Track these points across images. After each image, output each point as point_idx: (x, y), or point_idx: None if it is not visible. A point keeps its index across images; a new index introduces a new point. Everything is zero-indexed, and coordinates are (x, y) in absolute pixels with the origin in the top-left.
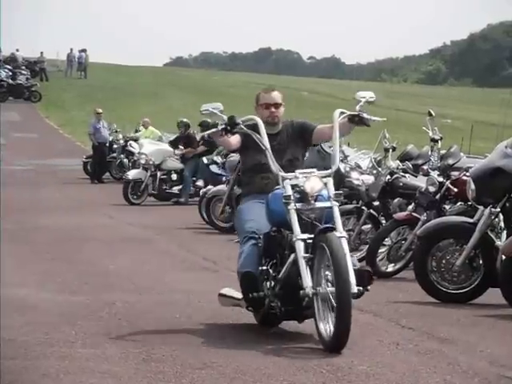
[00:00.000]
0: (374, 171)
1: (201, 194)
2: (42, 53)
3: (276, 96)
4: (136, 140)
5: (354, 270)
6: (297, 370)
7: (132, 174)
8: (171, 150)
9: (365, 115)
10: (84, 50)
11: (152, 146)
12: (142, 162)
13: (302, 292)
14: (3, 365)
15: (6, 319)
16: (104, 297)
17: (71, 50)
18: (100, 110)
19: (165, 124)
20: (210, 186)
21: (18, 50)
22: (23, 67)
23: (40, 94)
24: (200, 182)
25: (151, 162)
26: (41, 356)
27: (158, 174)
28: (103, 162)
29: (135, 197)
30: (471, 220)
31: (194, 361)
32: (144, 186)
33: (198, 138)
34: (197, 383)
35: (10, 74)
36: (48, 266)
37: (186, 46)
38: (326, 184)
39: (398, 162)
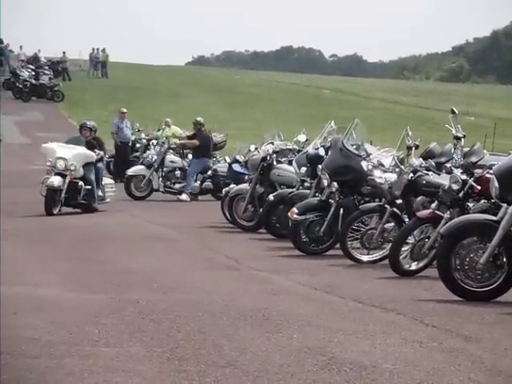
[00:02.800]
0: (397, 169)
1: (223, 192)
2: (64, 53)
3: None
4: (157, 139)
5: None
6: (320, 368)
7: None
8: (92, 153)
9: None
10: (103, 50)
11: (70, 150)
12: (60, 167)
13: None
14: (27, 364)
15: (29, 318)
16: (127, 295)
17: (93, 49)
18: (125, 110)
19: (186, 123)
20: (232, 185)
21: (39, 51)
22: (46, 67)
23: (63, 93)
24: (208, 183)
25: (72, 168)
26: (65, 355)
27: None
28: (126, 162)
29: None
30: (495, 218)
31: (218, 359)
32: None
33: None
34: (220, 382)
35: (33, 74)
36: (70, 264)
37: (208, 45)
38: None
39: (420, 159)
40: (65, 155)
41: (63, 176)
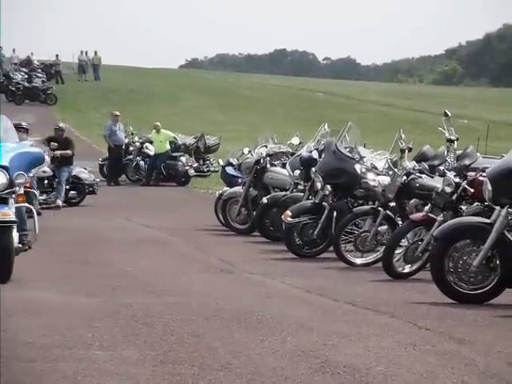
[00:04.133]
0: (390, 172)
1: (217, 195)
2: (57, 55)
3: None
4: (151, 142)
5: None
6: (314, 371)
7: None
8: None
9: None
10: (95, 53)
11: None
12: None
13: None
14: (22, 368)
15: (24, 322)
16: (121, 299)
17: (81, 52)
18: (117, 113)
19: (181, 126)
20: (226, 188)
21: (32, 54)
22: (39, 70)
23: (56, 96)
24: (73, 192)
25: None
26: (59, 358)
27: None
28: (119, 165)
29: None
30: (488, 220)
31: (212, 362)
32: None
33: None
34: None
35: (26, 77)
36: (65, 267)
37: (201, 47)
38: None
39: (414, 162)
40: None
41: None
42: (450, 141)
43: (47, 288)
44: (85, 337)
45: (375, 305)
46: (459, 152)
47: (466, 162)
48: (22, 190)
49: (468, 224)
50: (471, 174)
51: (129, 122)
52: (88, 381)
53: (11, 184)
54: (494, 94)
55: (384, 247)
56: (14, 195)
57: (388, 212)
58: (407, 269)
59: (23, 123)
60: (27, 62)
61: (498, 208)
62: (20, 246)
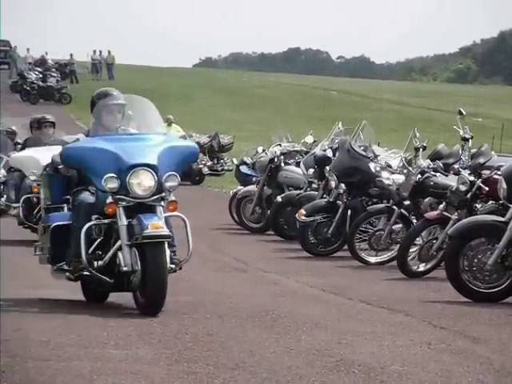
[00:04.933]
0: (405, 170)
1: (231, 194)
2: (71, 55)
3: None
4: None
5: None
6: (329, 370)
7: None
8: None
9: None
10: (109, 52)
11: None
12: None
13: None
14: (37, 367)
15: (39, 321)
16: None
17: (94, 51)
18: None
19: (195, 125)
20: (240, 187)
21: (47, 53)
22: (53, 70)
23: (70, 96)
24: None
25: None
26: (74, 357)
27: None
28: None
29: None
30: (503, 219)
31: (227, 361)
32: None
33: None
34: None
35: (41, 76)
36: None
37: (215, 46)
38: None
39: (428, 161)
40: None
41: None
42: (465, 139)
43: (61, 288)
44: (100, 336)
45: (390, 303)
46: (474, 150)
47: (481, 160)
48: (172, 196)
49: (483, 222)
50: (486, 172)
51: None
52: (103, 380)
53: (160, 188)
54: (508, 92)
55: (398, 246)
56: (163, 202)
57: (402, 210)
58: (422, 267)
59: (48, 116)
60: (41, 62)
61: None
62: (172, 266)
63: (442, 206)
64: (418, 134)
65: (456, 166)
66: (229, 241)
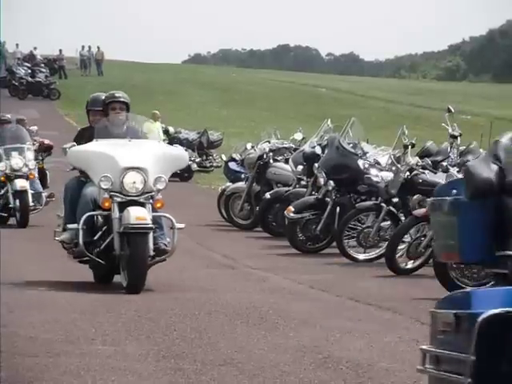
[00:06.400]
0: (393, 168)
1: (220, 190)
2: (60, 50)
3: None
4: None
5: None
6: (316, 366)
7: None
8: None
9: None
10: (98, 48)
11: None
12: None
13: None
14: (25, 362)
15: (26, 317)
16: (124, 294)
17: (82, 47)
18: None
19: (183, 121)
20: (228, 183)
21: (35, 49)
22: (42, 65)
23: (59, 91)
24: None
25: None
26: (61, 353)
27: None
28: None
29: None
30: None
31: (214, 358)
32: None
33: None
34: (217, 380)
35: (29, 71)
36: (67, 264)
37: (204, 43)
38: None
39: (417, 158)
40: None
41: None
42: (453, 137)
43: (50, 284)
44: (88, 332)
45: (378, 300)
46: (462, 148)
47: (470, 157)
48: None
49: None
50: None
51: None
52: (91, 376)
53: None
54: (497, 90)
55: (387, 243)
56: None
57: (391, 208)
58: (410, 264)
59: (118, 94)
60: (30, 57)
61: None
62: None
63: None
64: (406, 132)
65: (444, 164)
66: (217, 237)
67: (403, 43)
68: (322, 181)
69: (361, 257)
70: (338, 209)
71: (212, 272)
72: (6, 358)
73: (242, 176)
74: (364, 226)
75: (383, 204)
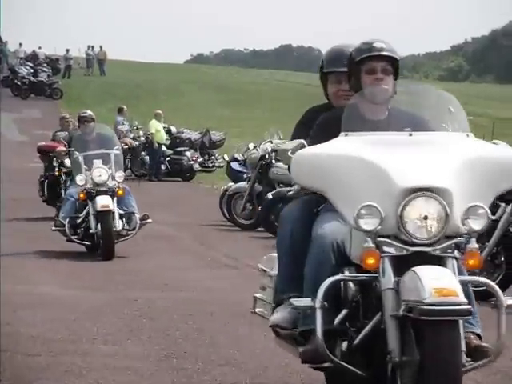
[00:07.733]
0: None
1: (222, 190)
2: (67, 50)
3: None
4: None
5: None
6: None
7: None
8: None
9: None
10: (101, 47)
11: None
12: None
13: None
14: (26, 362)
15: (29, 316)
16: (126, 294)
17: (88, 47)
18: (125, 107)
19: (186, 121)
20: (231, 183)
21: (40, 48)
22: (44, 64)
23: (61, 91)
24: None
25: None
26: (63, 352)
27: None
28: (124, 160)
29: None
30: (493, 217)
31: (216, 357)
32: None
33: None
34: (218, 380)
35: (32, 71)
36: (71, 263)
37: (206, 43)
38: None
39: None
40: None
41: None
42: None
43: (53, 283)
44: (89, 331)
45: None
46: None
47: None
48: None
49: None
50: None
51: (134, 116)
52: (92, 375)
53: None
54: (499, 90)
55: None
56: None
57: None
58: None
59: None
60: (33, 57)
61: (503, 205)
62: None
63: None
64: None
65: None
66: (219, 237)
67: (406, 44)
68: None
69: None
70: None
71: (214, 272)
72: (7, 356)
73: (245, 176)
74: None
75: None
